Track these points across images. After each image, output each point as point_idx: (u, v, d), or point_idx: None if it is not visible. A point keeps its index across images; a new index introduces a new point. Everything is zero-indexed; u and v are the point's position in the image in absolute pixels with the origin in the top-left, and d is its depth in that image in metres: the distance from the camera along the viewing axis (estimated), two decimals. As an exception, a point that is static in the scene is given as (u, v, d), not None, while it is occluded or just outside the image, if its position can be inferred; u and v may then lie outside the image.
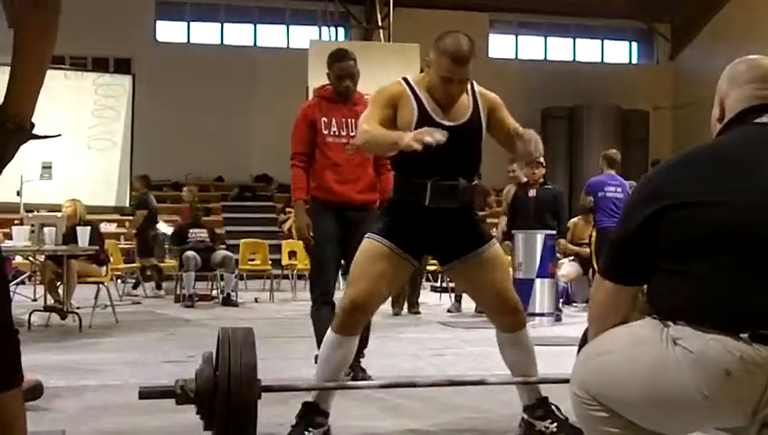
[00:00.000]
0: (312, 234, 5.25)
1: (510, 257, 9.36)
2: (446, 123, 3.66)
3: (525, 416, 3.97)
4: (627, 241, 2.24)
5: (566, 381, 2.39)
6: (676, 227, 2.12)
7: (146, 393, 3.44)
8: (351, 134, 5.17)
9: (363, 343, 5.21)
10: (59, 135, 2.12)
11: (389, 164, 4.44)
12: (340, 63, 5.26)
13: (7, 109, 1.88)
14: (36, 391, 4.39)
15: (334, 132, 5.20)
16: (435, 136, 3.30)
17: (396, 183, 3.85)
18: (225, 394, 3.26)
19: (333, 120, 5.22)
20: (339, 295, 5.80)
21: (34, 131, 1.94)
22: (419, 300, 10.58)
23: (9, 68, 1.91)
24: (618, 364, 2.17)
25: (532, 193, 9.71)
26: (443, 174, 3.66)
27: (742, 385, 1.99)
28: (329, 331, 3.77)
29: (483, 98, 3.80)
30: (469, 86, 3.77)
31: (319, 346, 4.65)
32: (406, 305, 10.38)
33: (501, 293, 3.84)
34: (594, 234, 10.27)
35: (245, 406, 3.29)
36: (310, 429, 3.71)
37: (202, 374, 3.36)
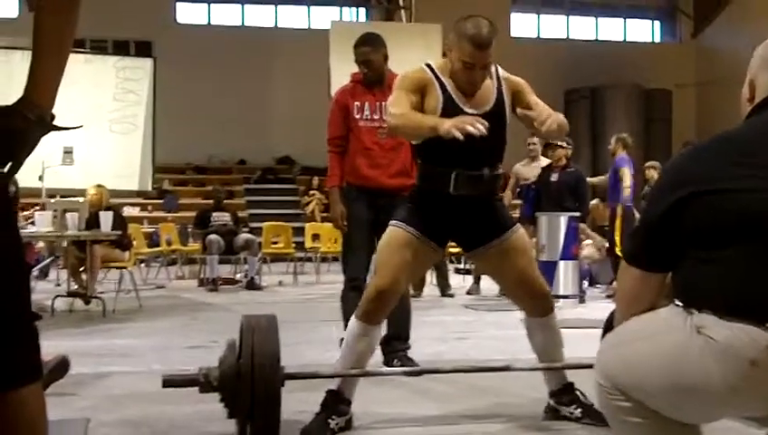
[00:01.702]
0: (345, 221, 5.27)
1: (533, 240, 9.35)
2: (471, 111, 3.61)
3: (551, 401, 3.97)
4: (653, 227, 2.21)
5: (590, 366, 2.37)
6: (703, 214, 2.08)
7: (169, 382, 3.44)
8: (384, 118, 5.19)
9: (406, 333, 5.23)
10: (80, 126, 2.09)
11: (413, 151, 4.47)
12: (356, 49, 5.32)
13: (28, 98, 1.85)
14: (63, 366, 4.38)
15: (366, 117, 5.23)
16: (477, 126, 3.27)
17: (420, 171, 3.83)
18: (249, 382, 3.25)
19: (366, 103, 5.24)
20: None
21: (55, 121, 1.92)
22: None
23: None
24: (641, 353, 2.15)
25: (554, 177, 9.67)
26: (467, 163, 3.63)
27: (767, 375, 1.96)
28: (352, 318, 3.77)
29: (507, 83, 3.75)
30: (493, 70, 3.72)
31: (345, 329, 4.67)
32: (438, 290, 10.42)
33: (528, 278, 3.82)
34: (620, 213, 10.20)
35: (269, 394, 3.28)
36: (333, 417, 3.71)
37: (225, 362, 3.35)
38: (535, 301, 3.85)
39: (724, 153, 2.14)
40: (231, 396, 3.34)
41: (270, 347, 3.33)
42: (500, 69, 3.77)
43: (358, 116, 5.23)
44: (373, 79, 5.26)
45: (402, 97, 3.63)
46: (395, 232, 3.73)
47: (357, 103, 5.24)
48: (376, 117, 5.21)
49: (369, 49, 5.27)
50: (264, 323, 3.42)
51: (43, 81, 1.88)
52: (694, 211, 2.09)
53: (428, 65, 3.74)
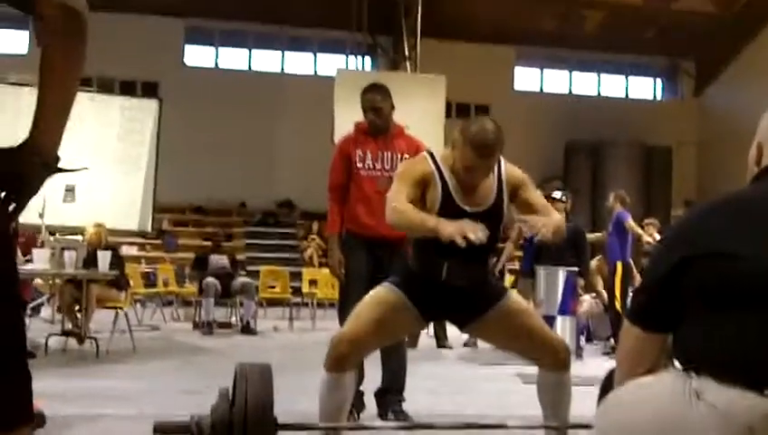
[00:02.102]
0: (343, 269, 5.24)
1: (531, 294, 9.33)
2: (469, 209, 3.63)
3: (546, 461, 3.91)
4: (655, 288, 2.19)
5: (588, 426, 2.34)
6: (707, 277, 2.05)
7: (161, 428, 3.40)
8: (386, 167, 5.21)
9: (401, 386, 5.17)
10: (85, 168, 2.06)
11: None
12: (365, 96, 5.32)
13: (34, 141, 1.83)
14: (40, 419, 4.34)
15: (368, 166, 5.23)
16: (478, 234, 3.28)
17: (413, 254, 3.85)
18: (241, 433, 3.21)
19: (368, 153, 5.24)
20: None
21: (60, 161, 1.90)
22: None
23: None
24: (640, 418, 2.11)
25: None
26: (460, 255, 3.56)
27: None
28: (322, 371, 3.73)
29: (508, 179, 3.74)
30: (495, 166, 3.71)
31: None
32: (434, 340, 10.35)
33: (538, 332, 3.78)
34: (620, 268, 10.22)
35: (261, 445, 3.25)
36: (324, 469, 3.66)
37: (217, 411, 3.32)
38: (555, 352, 3.81)
39: (731, 215, 2.11)
40: (222, 445, 3.29)
41: (263, 398, 3.29)
42: (503, 162, 3.75)
43: (360, 165, 5.22)
44: (381, 127, 5.27)
45: (403, 191, 3.61)
46: (384, 290, 3.74)
47: (359, 152, 5.24)
48: (378, 166, 5.22)
49: (380, 97, 5.28)
50: (257, 373, 3.39)
51: (49, 122, 1.86)
52: (698, 273, 2.06)
53: (431, 155, 3.73)
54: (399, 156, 5.23)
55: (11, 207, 1.84)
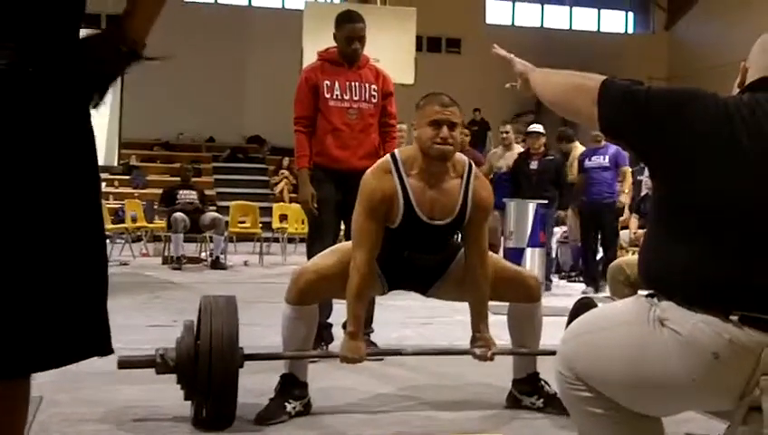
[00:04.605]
0: (315, 203, 5.15)
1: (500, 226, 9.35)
2: (431, 222, 3.59)
3: (513, 391, 3.93)
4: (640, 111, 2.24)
5: (553, 353, 2.33)
6: (668, 192, 2.04)
7: (125, 363, 3.37)
8: (355, 98, 5.11)
9: (369, 318, 5.15)
10: (166, 57, 2.01)
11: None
12: (351, 25, 5.14)
13: (123, 31, 1.81)
14: None
15: (336, 96, 5.10)
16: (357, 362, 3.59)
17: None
18: (206, 364, 3.20)
19: (336, 83, 5.11)
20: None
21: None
22: None
23: None
24: (603, 345, 2.11)
25: (533, 165, 9.63)
26: (421, 251, 3.71)
27: (730, 369, 1.94)
28: (284, 304, 3.68)
29: (474, 197, 3.63)
30: (465, 174, 3.62)
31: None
32: None
33: (504, 274, 3.77)
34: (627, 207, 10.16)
35: (226, 375, 3.24)
36: (290, 401, 3.64)
37: (182, 343, 3.30)
38: (525, 286, 3.81)
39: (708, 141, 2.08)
40: (188, 378, 3.28)
41: (228, 328, 3.27)
42: (473, 175, 3.65)
43: (328, 95, 5.09)
44: (360, 56, 5.17)
45: (365, 229, 3.53)
46: None
47: (327, 82, 5.10)
48: (346, 97, 5.10)
49: (363, 26, 5.15)
50: (222, 304, 3.36)
51: (142, 13, 1.84)
52: (663, 183, 2.04)
53: (395, 159, 3.60)
54: (368, 86, 5.14)
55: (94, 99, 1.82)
